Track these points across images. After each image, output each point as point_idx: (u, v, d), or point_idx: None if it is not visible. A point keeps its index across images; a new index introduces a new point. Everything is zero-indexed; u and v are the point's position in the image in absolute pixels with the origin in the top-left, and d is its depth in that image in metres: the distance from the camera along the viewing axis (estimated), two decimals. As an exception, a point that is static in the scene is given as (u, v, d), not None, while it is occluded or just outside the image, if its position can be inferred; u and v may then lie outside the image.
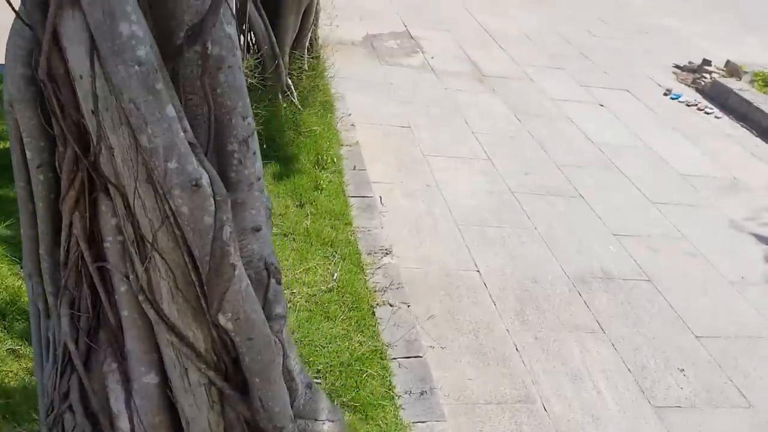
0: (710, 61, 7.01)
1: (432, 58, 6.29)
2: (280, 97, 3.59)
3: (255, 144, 1.27)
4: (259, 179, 1.30)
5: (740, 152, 5.45)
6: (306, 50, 3.82)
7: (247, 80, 3.34)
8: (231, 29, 1.19)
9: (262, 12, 3.47)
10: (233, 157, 1.24)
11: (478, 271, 3.39)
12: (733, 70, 6.80)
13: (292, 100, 3.65)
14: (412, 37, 6.74)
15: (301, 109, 3.68)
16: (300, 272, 2.83)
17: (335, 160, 3.77)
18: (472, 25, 7.47)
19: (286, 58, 3.63)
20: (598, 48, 7.39)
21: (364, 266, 2.99)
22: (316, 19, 3.91)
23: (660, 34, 8.35)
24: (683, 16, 9.44)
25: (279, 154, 3.58)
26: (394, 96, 5.34)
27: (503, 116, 5.35)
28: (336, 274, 2.84)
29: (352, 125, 4.39)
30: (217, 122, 1.19)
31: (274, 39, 3.50)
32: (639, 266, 3.70)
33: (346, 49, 6.12)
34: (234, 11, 3.30)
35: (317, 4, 3.81)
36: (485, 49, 6.80)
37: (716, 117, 6.04)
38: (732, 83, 6.41)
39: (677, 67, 7.15)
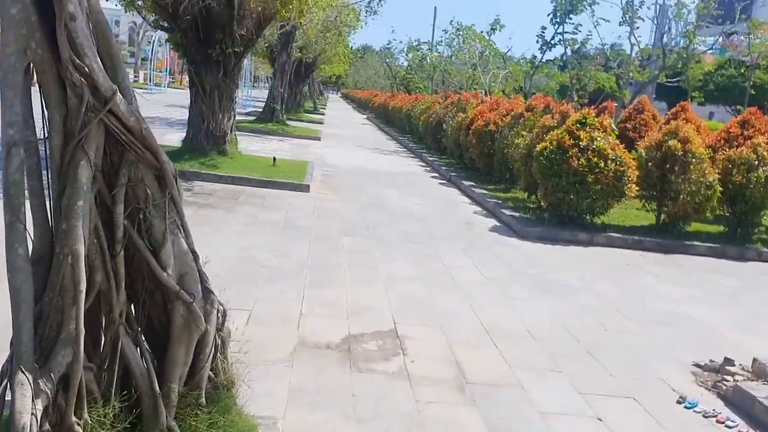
0: (733, 361, 6.27)
1: (412, 361, 5.80)
2: (158, 442, 3.09)
3: None
4: None
5: (768, 483, 4.50)
6: (205, 381, 3.38)
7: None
8: None
9: (143, 344, 3.13)
10: None
11: None
12: (759, 371, 6.02)
13: (175, 444, 3.14)
14: (397, 337, 6.34)
15: (190, 454, 3.16)
16: None
17: None
18: (470, 320, 7.06)
19: (173, 395, 3.19)
20: (609, 345, 6.78)
21: None
22: (224, 347, 3.53)
23: (682, 325, 7.72)
24: (711, 301, 8.87)
25: None
26: (350, 413, 4.77)
27: (477, 437, 4.65)
28: None
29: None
30: None
31: (154, 376, 3.11)
32: None
33: (317, 355, 5.73)
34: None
35: (223, 330, 3.46)
36: (478, 349, 6.30)
37: (740, 431, 5.15)
38: (757, 389, 5.59)
39: (697, 365, 6.42)
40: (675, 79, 28.52)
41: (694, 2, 24.53)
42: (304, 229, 10.34)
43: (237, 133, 24.78)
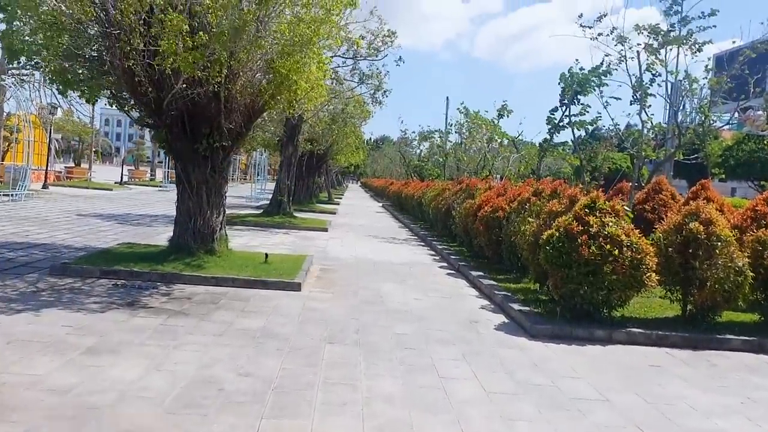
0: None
1: None
2: None
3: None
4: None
5: None
6: None
7: None
8: None
9: None
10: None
11: None
12: None
13: None
14: (363, 485, 5.12)
15: None
16: None
17: None
18: (458, 453, 5.82)
19: None
20: (629, 482, 5.49)
21: None
22: None
23: (720, 449, 6.41)
24: (751, 412, 7.55)
25: None
26: None
27: None
28: None
29: None
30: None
31: None
32: None
33: None
34: None
35: None
36: (463, 497, 5.05)
37: None
38: None
39: None
40: (693, 156, 27.56)
41: (706, 77, 23.84)
42: (282, 338, 9.23)
43: (241, 227, 24.12)
